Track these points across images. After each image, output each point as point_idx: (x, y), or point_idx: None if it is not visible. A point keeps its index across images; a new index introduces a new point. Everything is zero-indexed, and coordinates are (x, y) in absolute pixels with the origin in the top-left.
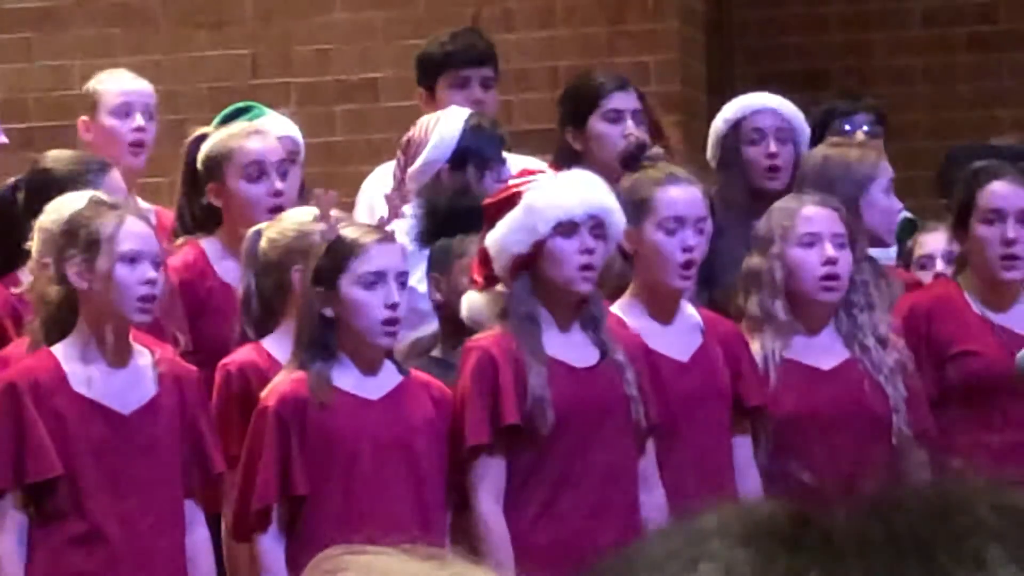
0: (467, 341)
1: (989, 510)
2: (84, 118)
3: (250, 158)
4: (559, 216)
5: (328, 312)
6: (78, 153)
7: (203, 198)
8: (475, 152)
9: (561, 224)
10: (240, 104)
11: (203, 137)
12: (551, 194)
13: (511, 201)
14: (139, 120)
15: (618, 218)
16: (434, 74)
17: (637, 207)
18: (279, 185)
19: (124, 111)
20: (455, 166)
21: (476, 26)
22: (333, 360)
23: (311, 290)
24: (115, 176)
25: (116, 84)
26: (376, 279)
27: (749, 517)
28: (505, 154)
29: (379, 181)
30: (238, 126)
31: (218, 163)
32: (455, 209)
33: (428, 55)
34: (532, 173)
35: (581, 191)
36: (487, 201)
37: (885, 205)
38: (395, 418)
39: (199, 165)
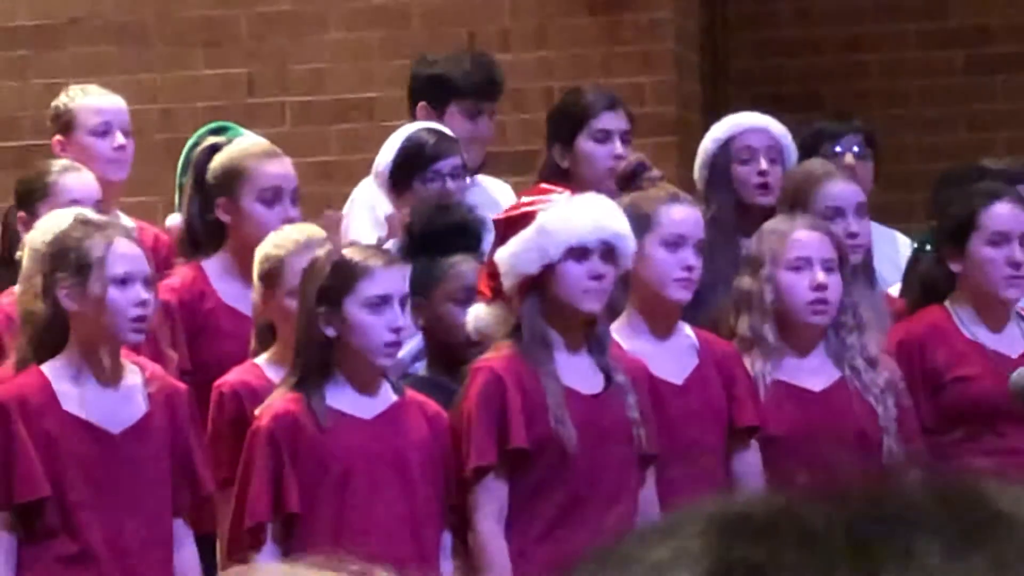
0: (474, 361)
1: (933, 504)
2: (58, 137)
3: (268, 182)
4: (571, 241)
5: (330, 332)
6: (47, 161)
7: (211, 212)
8: (405, 166)
9: (573, 249)
10: (214, 124)
11: (214, 148)
12: (565, 217)
13: (524, 219)
14: (120, 139)
15: (629, 243)
16: (447, 96)
17: (639, 222)
18: (291, 212)
19: (103, 130)
20: (395, 184)
21: (480, 51)
22: (329, 380)
23: (313, 309)
24: (85, 177)
25: (93, 102)
26: (381, 302)
27: (723, 510)
28: (481, 178)
29: (369, 191)
30: (254, 143)
31: (233, 180)
32: (433, 225)
33: (448, 78)
34: (548, 192)
35: (594, 216)
36: (498, 216)
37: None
38: (389, 437)
39: (209, 177)
